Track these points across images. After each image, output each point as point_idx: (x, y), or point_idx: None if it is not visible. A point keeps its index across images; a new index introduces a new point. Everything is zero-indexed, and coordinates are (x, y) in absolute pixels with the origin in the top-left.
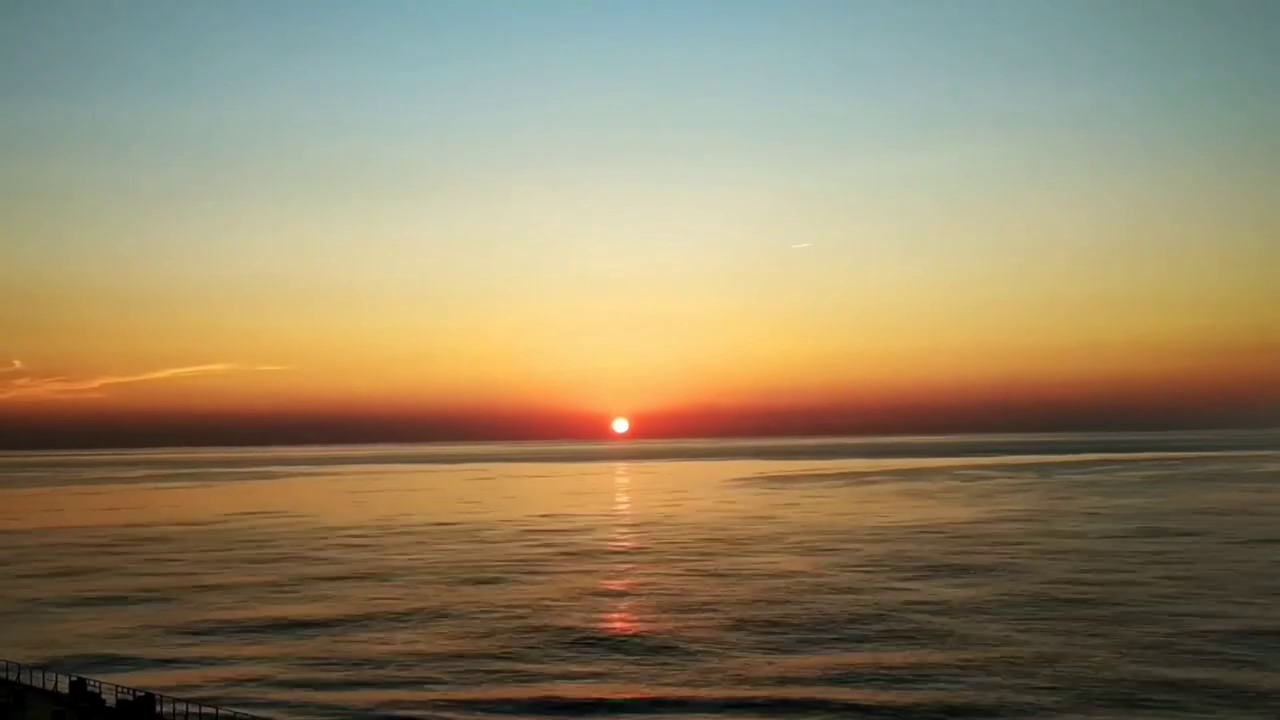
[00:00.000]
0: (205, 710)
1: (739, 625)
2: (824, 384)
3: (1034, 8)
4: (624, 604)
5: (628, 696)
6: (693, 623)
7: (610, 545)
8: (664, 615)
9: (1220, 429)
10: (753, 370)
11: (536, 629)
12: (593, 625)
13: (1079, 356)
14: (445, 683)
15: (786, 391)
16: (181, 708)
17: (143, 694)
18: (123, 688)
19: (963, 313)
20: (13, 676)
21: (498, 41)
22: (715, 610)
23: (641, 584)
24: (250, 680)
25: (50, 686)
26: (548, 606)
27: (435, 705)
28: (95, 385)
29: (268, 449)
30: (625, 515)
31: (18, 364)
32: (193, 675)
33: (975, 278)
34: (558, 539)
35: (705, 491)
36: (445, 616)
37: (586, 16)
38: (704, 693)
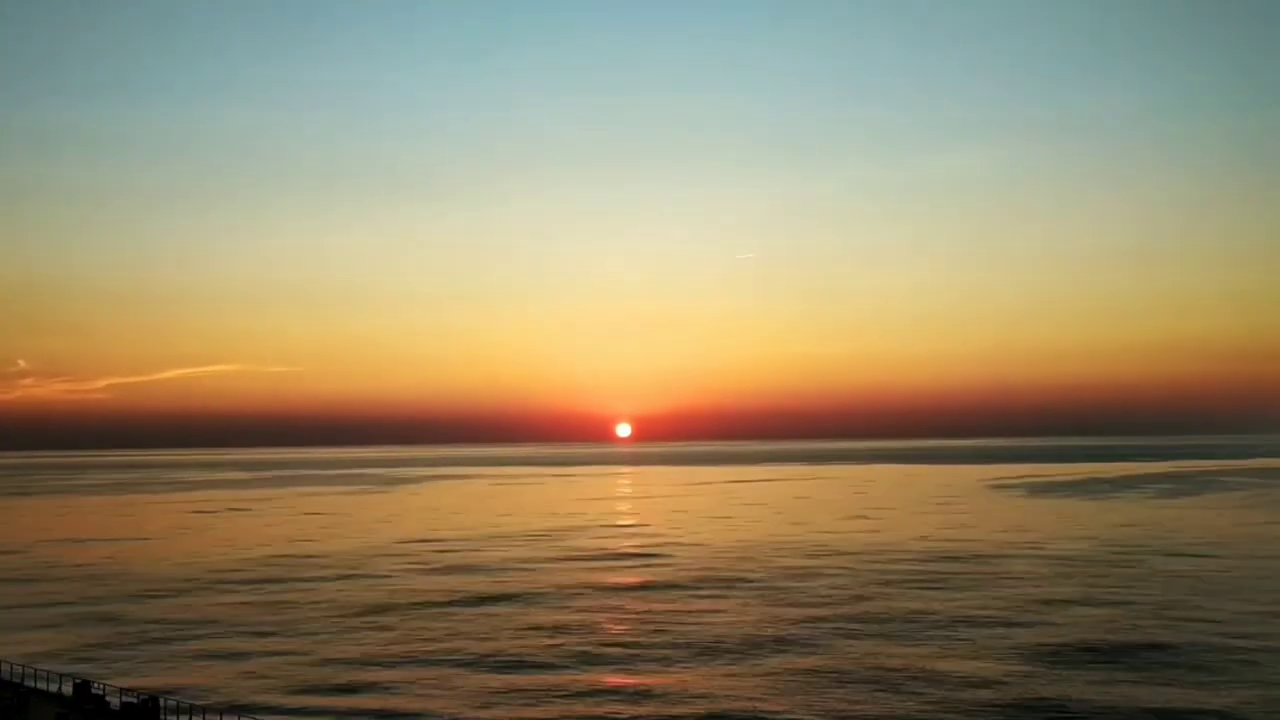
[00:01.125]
0: (209, 714)
1: None
2: (821, 388)
3: (1042, 14)
4: None
5: None
6: None
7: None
8: None
9: (1243, 434)
10: (757, 373)
11: None
12: None
13: (1091, 360)
14: None
15: (788, 394)
16: (186, 711)
17: (147, 696)
18: (127, 690)
19: (971, 317)
20: (17, 678)
21: (502, 44)
22: None
23: None
24: None
25: (54, 689)
26: None
27: None
28: (100, 386)
29: (291, 450)
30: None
31: (22, 364)
32: None
33: (984, 282)
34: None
35: (1025, 503)
36: None
37: (595, 18)
38: None
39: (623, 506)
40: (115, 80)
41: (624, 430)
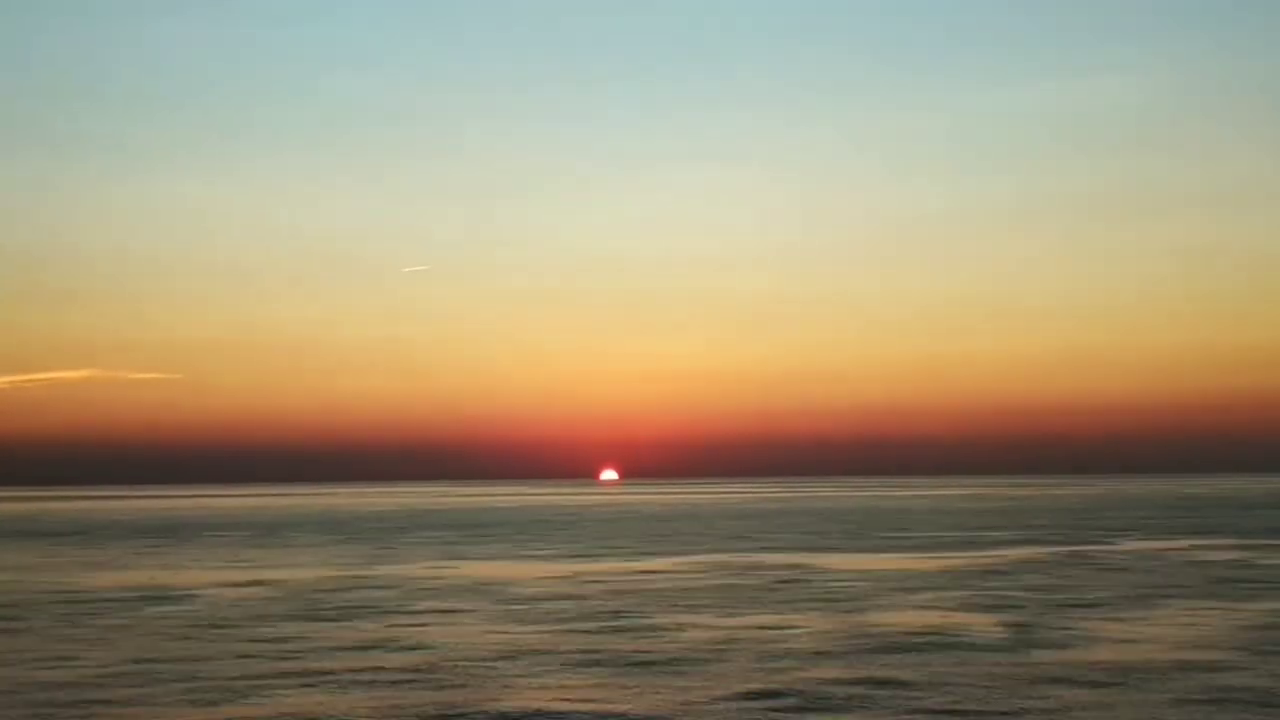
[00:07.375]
0: None
1: None
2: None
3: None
4: None
5: None
6: None
7: None
8: None
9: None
10: (745, 381)
11: None
12: None
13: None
14: None
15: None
16: None
17: None
18: None
19: (972, 322)
20: None
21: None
22: None
23: None
24: None
25: None
26: None
27: None
28: None
29: (162, 491)
30: None
31: None
32: None
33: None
34: None
35: None
36: None
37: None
38: None
39: None
40: None
41: (609, 474)
